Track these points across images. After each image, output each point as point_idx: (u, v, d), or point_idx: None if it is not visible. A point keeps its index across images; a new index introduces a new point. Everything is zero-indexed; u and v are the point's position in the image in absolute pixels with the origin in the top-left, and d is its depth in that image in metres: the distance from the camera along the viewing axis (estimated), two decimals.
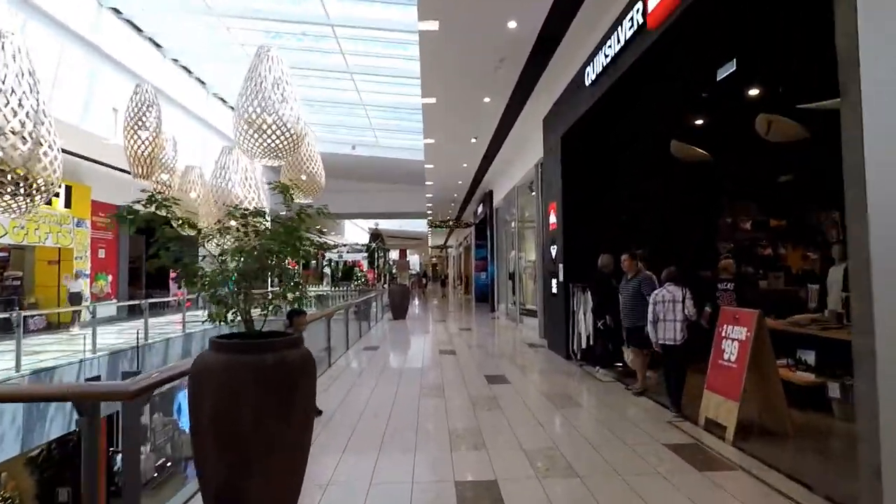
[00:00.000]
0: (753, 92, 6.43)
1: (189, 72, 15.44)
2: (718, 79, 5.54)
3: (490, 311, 17.01)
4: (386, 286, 18.16)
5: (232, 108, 12.04)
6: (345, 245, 22.56)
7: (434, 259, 55.59)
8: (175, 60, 14.52)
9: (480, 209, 20.11)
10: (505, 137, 11.18)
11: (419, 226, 40.25)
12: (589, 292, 7.24)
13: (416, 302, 24.64)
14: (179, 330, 12.55)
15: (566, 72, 7.45)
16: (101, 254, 15.22)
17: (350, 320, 10.49)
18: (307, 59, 14.85)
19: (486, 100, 9.24)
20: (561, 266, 7.98)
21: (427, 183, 17.69)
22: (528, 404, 5.23)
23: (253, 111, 7.36)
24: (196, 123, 15.75)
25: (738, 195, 9.61)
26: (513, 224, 14.60)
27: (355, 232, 41.55)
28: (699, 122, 7.65)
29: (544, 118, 8.99)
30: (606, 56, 5.79)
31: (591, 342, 7.09)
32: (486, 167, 14.47)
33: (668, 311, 5.02)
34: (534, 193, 12.37)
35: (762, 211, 9.87)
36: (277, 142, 7.61)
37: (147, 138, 7.55)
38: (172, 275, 19.15)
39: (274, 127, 7.46)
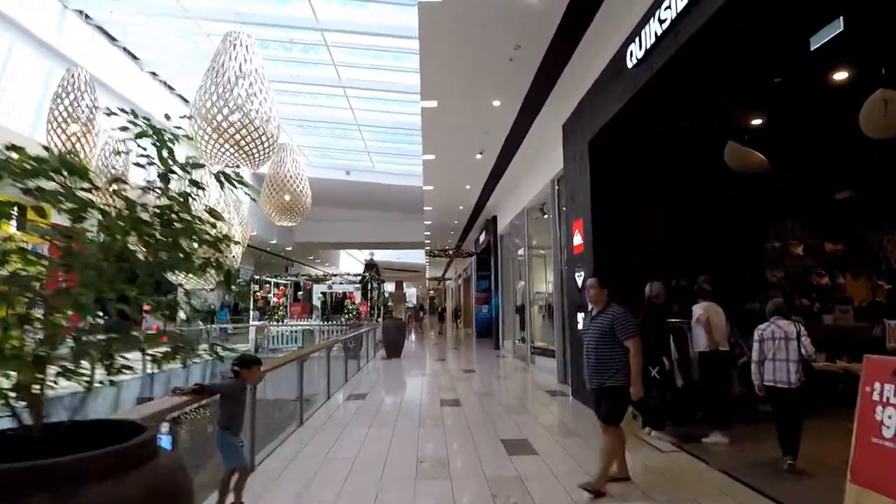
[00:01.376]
0: (842, 75, 5.13)
1: (170, 87, 14.26)
2: (813, 47, 4.22)
3: (494, 349, 15.38)
4: (380, 320, 16.55)
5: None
6: (335, 275, 21.01)
7: (432, 291, 54.00)
8: (154, 74, 13.36)
9: (483, 237, 18.73)
10: (516, 150, 9.85)
11: (417, 258, 38.82)
12: None
13: (413, 337, 22.95)
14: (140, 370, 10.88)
15: (598, 59, 6.15)
16: None
17: (336, 359, 8.92)
18: (296, 72, 13.71)
19: (496, 103, 7.94)
20: None
21: (426, 208, 16.33)
22: (573, 496, 3.65)
23: (212, 106, 6.03)
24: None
25: (790, 213, 8.24)
26: (520, 252, 13.17)
27: (350, 263, 40.07)
28: (759, 120, 6.33)
29: (565, 123, 7.67)
30: (662, 21, 4.47)
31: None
32: (492, 188, 13.13)
33: (780, 349, 4.32)
34: (546, 216, 11.01)
35: (815, 233, 8.48)
36: (245, 145, 6.25)
37: (76, 132, 6.17)
38: (147, 307, 17.59)
39: (239, 126, 6.11)
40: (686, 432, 5.08)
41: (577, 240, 7.06)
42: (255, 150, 6.17)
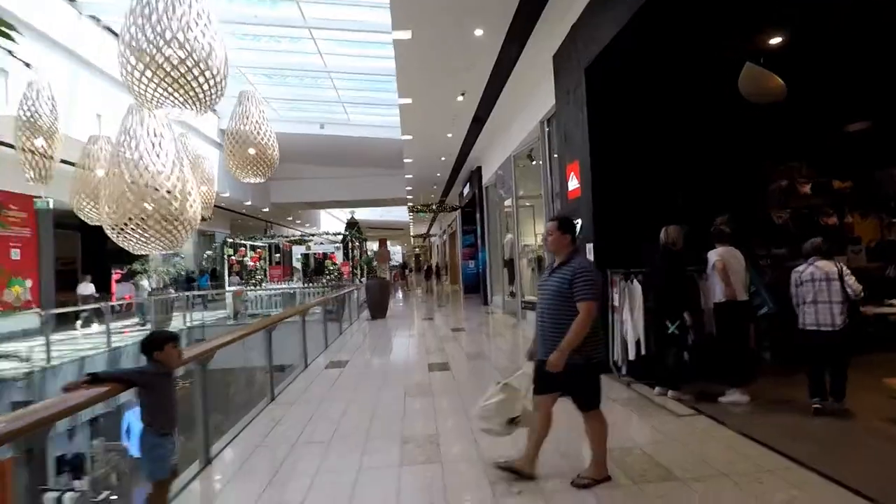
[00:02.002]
0: None
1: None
2: None
3: (483, 305, 14.91)
4: (363, 280, 15.91)
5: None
6: (314, 235, 20.11)
7: (417, 249, 53.40)
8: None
9: (467, 190, 17.93)
10: (501, 89, 8.95)
11: (400, 215, 37.90)
12: (637, 281, 5.14)
13: (399, 296, 22.44)
14: (104, 345, 10.16)
15: None
16: (15, 254, 12.65)
17: (316, 323, 8.30)
18: (257, 12, 12.40)
19: (479, 32, 7.01)
20: (590, 246, 5.86)
21: (406, 160, 15.41)
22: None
23: (142, 36, 5.05)
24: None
25: (800, 148, 7.59)
26: (507, 203, 12.46)
27: (332, 223, 39.05)
28: (777, 39, 5.56)
29: (556, 54, 6.81)
30: None
31: (645, 351, 5.00)
32: (476, 135, 12.25)
33: (822, 291, 4.11)
34: (535, 162, 10.25)
35: (824, 170, 7.89)
36: (186, 84, 5.32)
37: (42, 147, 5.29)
38: (116, 275, 16.61)
39: (176, 59, 5.16)
40: (700, 391, 4.59)
41: (573, 184, 6.36)
42: (197, 90, 5.25)
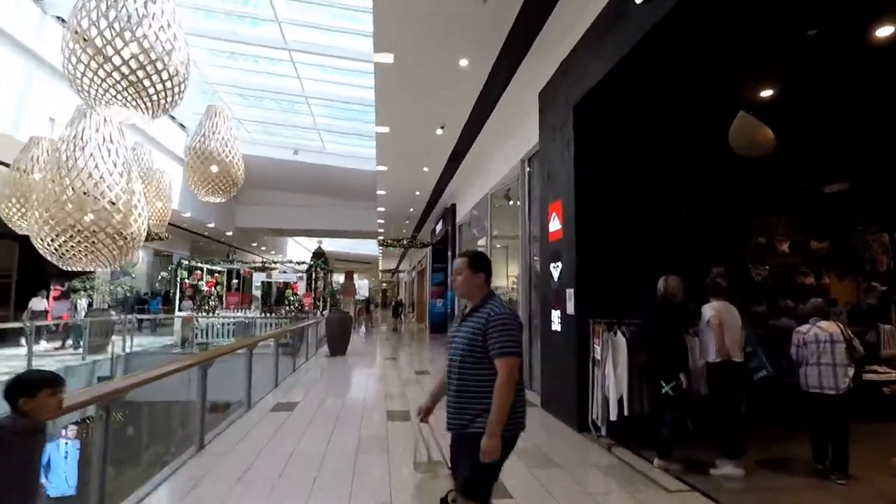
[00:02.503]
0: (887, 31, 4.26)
1: None
2: None
3: None
4: (325, 313, 15.10)
5: None
6: (276, 263, 19.23)
7: (384, 284, 52.51)
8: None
9: (440, 227, 17.56)
10: (483, 123, 8.70)
11: (370, 249, 37.23)
12: (621, 333, 4.71)
13: (363, 332, 21.54)
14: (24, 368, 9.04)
15: (591, 4, 5.07)
16: None
17: (267, 358, 7.56)
18: (236, 29, 12.03)
19: (464, 62, 6.75)
20: (571, 292, 5.44)
21: (379, 192, 14.99)
22: None
23: (92, 25, 4.53)
24: None
25: (781, 204, 7.51)
26: (481, 242, 12.08)
27: (299, 252, 37.99)
28: (770, 91, 5.43)
29: (542, 90, 6.57)
30: None
31: (627, 412, 4.52)
32: (452, 172, 11.97)
33: (825, 352, 3.96)
34: (512, 203, 9.96)
35: (801, 228, 7.81)
36: (137, 83, 4.81)
37: None
38: (55, 292, 15.31)
39: (127, 55, 4.64)
40: (688, 457, 4.11)
41: (555, 225, 5.99)
42: (150, 90, 4.71)
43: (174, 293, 14.35)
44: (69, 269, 6.45)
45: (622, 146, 5.53)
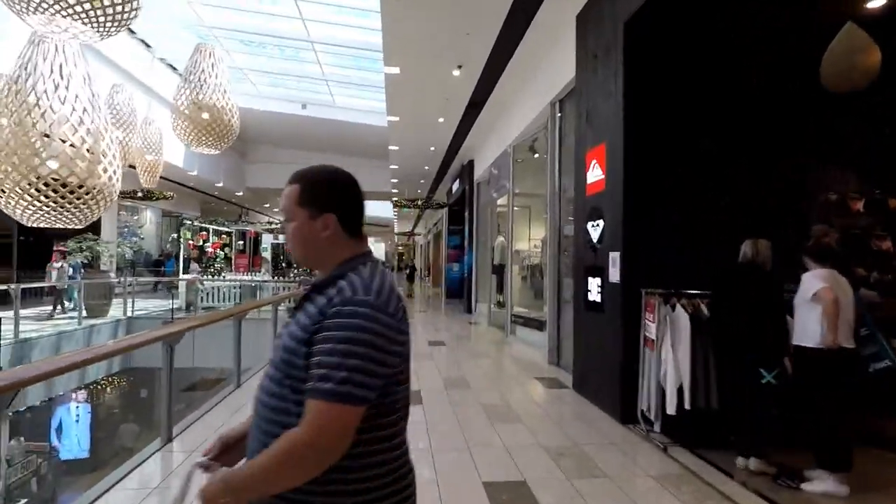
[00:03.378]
0: None
1: None
2: None
3: (466, 312, 13.48)
4: None
5: None
6: (279, 222, 18.44)
7: (400, 248, 51.87)
8: None
9: (456, 186, 16.51)
10: (507, 61, 7.52)
11: (384, 211, 36.34)
12: (681, 306, 3.75)
13: None
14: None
15: None
16: None
17: (265, 326, 6.83)
18: None
19: None
20: (616, 257, 4.46)
21: (391, 147, 13.92)
22: None
23: None
24: None
25: (858, 155, 6.32)
26: (501, 201, 11.06)
27: None
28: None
29: (582, 11, 5.41)
30: None
31: (688, 404, 3.61)
32: (471, 122, 10.83)
33: None
34: (537, 155, 8.88)
35: (878, 185, 6.64)
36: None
37: None
38: (58, 247, 14.77)
39: None
40: (777, 462, 3.23)
41: (595, 175, 4.96)
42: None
43: (176, 254, 13.68)
44: (43, 227, 5.68)
45: (685, 76, 4.42)
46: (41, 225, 5.44)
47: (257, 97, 17.78)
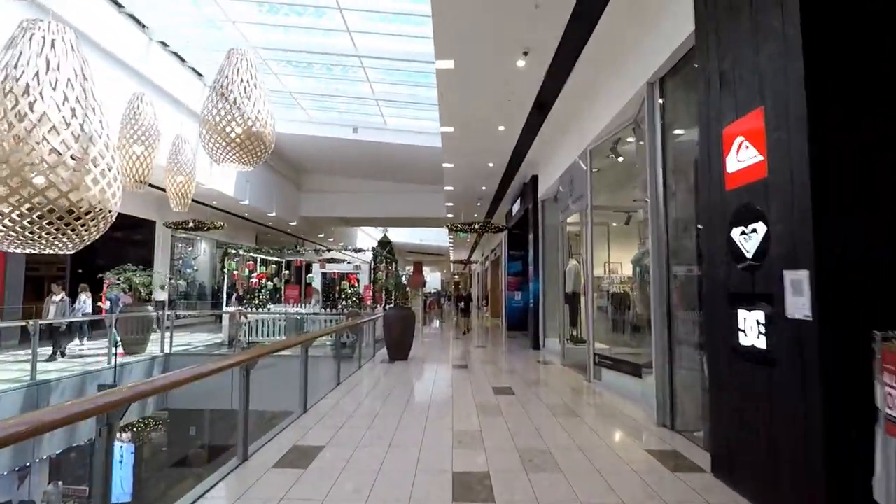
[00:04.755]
0: None
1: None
2: None
3: (533, 349, 11.78)
4: (387, 307, 13.11)
5: None
6: (328, 250, 17.51)
7: (456, 276, 50.64)
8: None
9: (517, 207, 15.03)
10: (585, 40, 6.09)
11: (440, 239, 35.27)
12: None
13: (432, 327, 19.50)
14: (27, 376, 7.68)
15: None
16: None
17: (291, 368, 5.58)
18: None
19: None
20: (802, 278, 2.81)
21: (445, 166, 12.71)
22: None
23: None
24: None
25: None
26: (573, 218, 9.45)
27: (368, 243, 36.85)
28: None
29: None
30: None
31: None
32: (536, 129, 9.41)
33: None
34: (622, 159, 7.34)
35: None
36: None
37: None
38: (108, 283, 14.38)
39: None
40: None
41: (745, 157, 3.35)
42: None
43: (220, 286, 12.95)
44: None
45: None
46: (15, 251, 4.44)
47: (308, 123, 17.30)
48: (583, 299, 9.14)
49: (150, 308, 10.77)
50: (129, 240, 16.11)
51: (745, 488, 3.33)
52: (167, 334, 10.59)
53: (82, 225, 4.40)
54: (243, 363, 3.86)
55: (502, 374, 8.30)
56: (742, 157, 3.38)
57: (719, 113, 3.69)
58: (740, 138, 3.40)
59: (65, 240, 4.42)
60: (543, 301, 11.67)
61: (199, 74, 14.49)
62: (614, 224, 9.06)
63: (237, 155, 7.06)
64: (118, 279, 10.26)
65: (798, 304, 2.83)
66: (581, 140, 8.05)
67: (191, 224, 15.62)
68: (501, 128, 9.55)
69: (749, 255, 3.28)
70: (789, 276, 2.89)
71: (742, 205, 3.36)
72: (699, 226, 4.27)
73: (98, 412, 2.33)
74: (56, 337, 9.09)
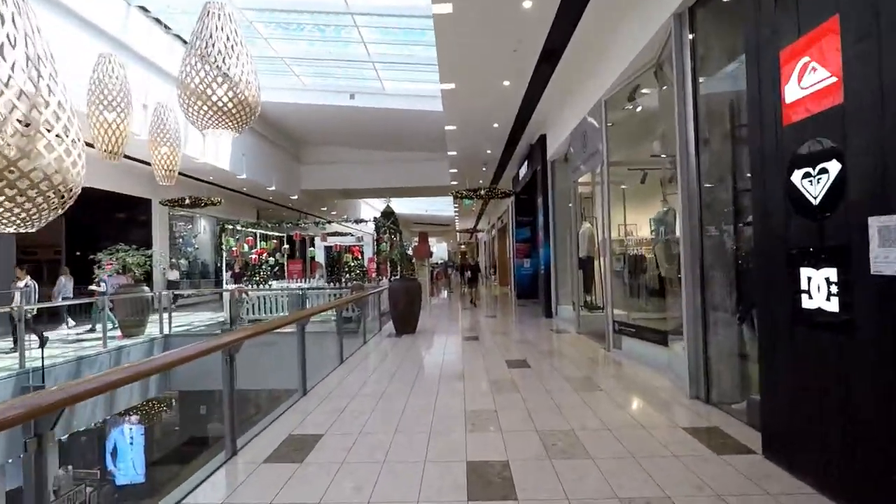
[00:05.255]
0: None
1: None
2: None
3: (545, 317, 11.33)
4: (393, 279, 12.66)
5: None
6: (328, 223, 16.94)
7: (462, 246, 50.12)
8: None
9: (524, 170, 14.36)
10: None
11: (444, 208, 34.61)
12: None
13: (439, 298, 19.10)
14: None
15: None
16: None
17: (289, 345, 5.15)
18: None
19: None
20: (891, 225, 2.26)
21: (448, 128, 12.01)
22: None
23: None
24: None
25: None
26: (585, 178, 8.83)
27: (371, 215, 36.29)
28: None
29: None
30: None
31: None
32: (544, 82, 8.69)
33: None
34: (640, 108, 6.68)
35: None
36: None
37: None
38: (109, 265, 14.03)
39: None
40: None
41: (812, 80, 2.75)
42: None
43: (219, 263, 12.53)
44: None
45: None
46: None
47: (303, 91, 16.53)
48: (597, 263, 8.62)
49: (146, 289, 10.36)
50: (126, 220, 15.67)
51: (810, 475, 2.85)
52: (166, 315, 10.21)
53: (38, 196, 3.88)
54: (224, 347, 3.37)
55: (515, 346, 7.85)
56: (807, 81, 2.78)
57: (774, 33, 3.06)
58: (805, 58, 2.78)
59: (17, 211, 3.92)
60: (555, 267, 11.15)
61: (185, 42, 13.72)
62: (624, 186, 8.43)
63: (219, 120, 6.45)
64: (112, 259, 9.82)
65: (889, 257, 2.28)
66: (595, 91, 7.37)
67: (187, 201, 15.11)
68: (506, 83, 8.84)
69: (816, 202, 2.71)
70: (877, 222, 2.34)
71: (811, 141, 2.77)
72: (748, 174, 3.67)
73: (21, 420, 1.85)
74: (31, 324, 8.33)
